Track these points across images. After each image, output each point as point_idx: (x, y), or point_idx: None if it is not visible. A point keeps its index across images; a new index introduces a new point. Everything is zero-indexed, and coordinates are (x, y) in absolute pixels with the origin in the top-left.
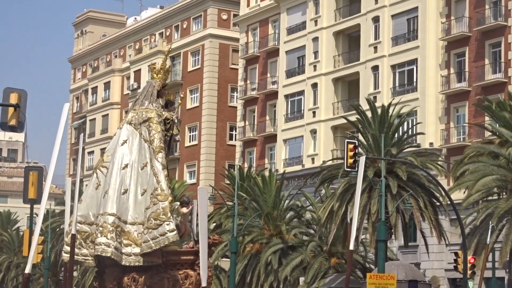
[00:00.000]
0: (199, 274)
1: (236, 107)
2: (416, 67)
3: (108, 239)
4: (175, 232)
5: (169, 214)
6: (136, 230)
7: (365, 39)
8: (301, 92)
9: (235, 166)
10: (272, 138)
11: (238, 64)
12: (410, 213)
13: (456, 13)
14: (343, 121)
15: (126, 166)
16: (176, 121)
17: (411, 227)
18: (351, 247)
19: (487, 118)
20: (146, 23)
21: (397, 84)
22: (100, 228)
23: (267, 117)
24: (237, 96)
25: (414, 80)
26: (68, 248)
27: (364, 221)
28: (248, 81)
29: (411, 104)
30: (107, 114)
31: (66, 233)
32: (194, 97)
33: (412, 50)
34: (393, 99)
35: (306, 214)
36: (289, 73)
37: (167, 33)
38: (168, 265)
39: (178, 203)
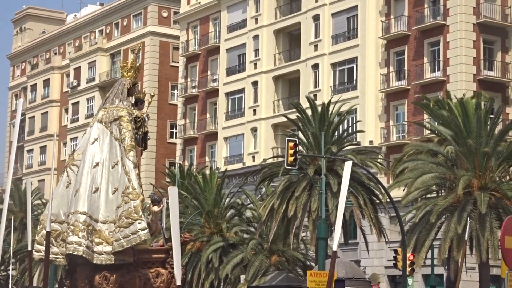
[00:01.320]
0: (170, 272)
1: (176, 105)
2: (356, 65)
3: (79, 237)
4: (146, 231)
5: (140, 213)
6: (107, 229)
7: (305, 37)
8: (242, 90)
9: (176, 164)
10: (213, 136)
11: (178, 62)
12: (350, 210)
13: (396, 12)
14: (284, 119)
15: (97, 164)
16: (146, 119)
17: (351, 225)
18: (335, 248)
19: (426, 117)
20: (86, 20)
21: (337, 82)
22: (72, 227)
23: (208, 115)
24: (177, 93)
25: (354, 78)
26: (39, 247)
27: (305, 219)
28: (189, 79)
29: (351, 102)
30: (47, 112)
31: (37, 232)
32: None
33: (352, 49)
34: (333, 97)
35: (246, 212)
36: (230, 71)
37: (107, 31)
38: (139, 263)
39: (149, 201)
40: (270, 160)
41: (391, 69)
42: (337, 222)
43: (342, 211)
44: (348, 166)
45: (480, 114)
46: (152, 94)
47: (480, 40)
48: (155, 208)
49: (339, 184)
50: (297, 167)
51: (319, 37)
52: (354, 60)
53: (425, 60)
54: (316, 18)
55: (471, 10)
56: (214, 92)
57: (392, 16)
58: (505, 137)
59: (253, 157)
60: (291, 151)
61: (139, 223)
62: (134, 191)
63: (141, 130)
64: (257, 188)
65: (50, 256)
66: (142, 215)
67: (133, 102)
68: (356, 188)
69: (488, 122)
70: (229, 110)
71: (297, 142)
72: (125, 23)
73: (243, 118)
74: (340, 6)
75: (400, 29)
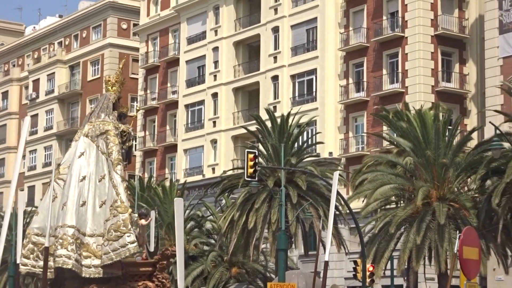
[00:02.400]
0: (157, 285)
1: (136, 117)
2: (316, 77)
3: (68, 251)
4: (135, 244)
5: (129, 226)
6: (95, 242)
7: (265, 49)
8: (201, 102)
9: (135, 177)
10: (173, 148)
11: (138, 74)
12: (310, 222)
13: (354, 24)
14: (244, 131)
15: (84, 178)
16: (132, 133)
17: (311, 236)
18: (326, 258)
19: (385, 128)
20: (45, 32)
21: (296, 94)
22: (60, 240)
23: (168, 127)
24: (137, 105)
25: (314, 90)
26: (26, 261)
27: (265, 230)
28: (148, 91)
29: (311, 114)
30: (5, 124)
31: (23, 246)
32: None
33: (312, 60)
34: (293, 108)
35: (206, 224)
36: (189, 83)
37: (66, 42)
38: (127, 276)
39: (137, 214)
40: (230, 172)
41: (350, 80)
42: (328, 233)
43: (331, 221)
44: (336, 175)
45: (438, 125)
46: (138, 108)
47: (438, 52)
48: (143, 222)
49: (299, 195)
50: (257, 178)
51: (278, 49)
52: (313, 71)
53: (384, 71)
54: (275, 30)
55: (429, 22)
56: (174, 104)
57: (351, 28)
58: (463, 148)
59: (213, 169)
60: (250, 163)
61: (128, 236)
62: (122, 205)
63: (126, 144)
64: (217, 200)
65: (37, 269)
66: (131, 228)
67: (116, 116)
68: (316, 200)
69: (447, 133)
70: (189, 122)
71: (256, 154)
72: (84, 35)
73: (202, 130)
74: (299, 18)
75: (359, 41)
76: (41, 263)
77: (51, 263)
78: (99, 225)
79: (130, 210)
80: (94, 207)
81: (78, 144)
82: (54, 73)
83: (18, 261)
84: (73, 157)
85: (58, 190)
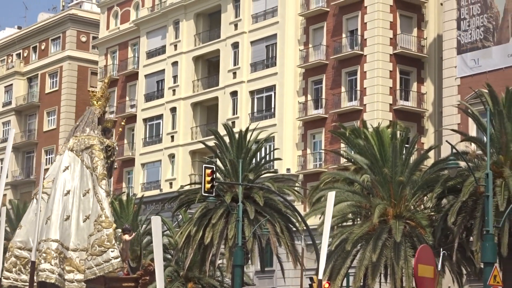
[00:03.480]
0: None
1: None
2: (274, 93)
3: (52, 265)
4: (119, 259)
5: (113, 241)
6: (78, 257)
7: (224, 64)
8: (160, 116)
9: None
10: (130, 162)
11: (96, 87)
12: (266, 238)
13: (314, 41)
14: (202, 146)
15: (68, 192)
16: (116, 148)
17: (267, 252)
18: (320, 276)
19: (342, 145)
20: (3, 43)
21: (255, 110)
22: (44, 254)
23: (125, 141)
24: (123, 122)
25: (272, 106)
26: (8, 274)
27: (221, 246)
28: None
29: (269, 130)
30: None
31: (5, 259)
32: (51, 119)
33: (271, 77)
34: (251, 124)
35: (163, 239)
36: (148, 97)
37: (25, 54)
38: None
39: (120, 230)
40: (188, 187)
41: (309, 97)
42: (322, 249)
43: (327, 239)
44: (331, 196)
45: (395, 143)
46: (122, 123)
47: (397, 71)
48: (126, 237)
49: (256, 211)
50: (214, 194)
51: (238, 64)
52: (272, 88)
53: (343, 89)
54: (235, 45)
55: (388, 41)
56: (132, 118)
57: (310, 45)
58: (420, 167)
59: (171, 184)
60: (208, 178)
61: (112, 251)
62: (106, 220)
63: (111, 159)
64: (174, 215)
65: (19, 283)
66: (115, 244)
67: (101, 130)
68: (273, 216)
69: (404, 152)
70: (147, 136)
71: (214, 169)
72: (43, 47)
73: (161, 145)
74: (259, 34)
75: (318, 58)
76: (23, 276)
77: (33, 277)
78: (82, 239)
79: (114, 225)
80: (78, 222)
81: (63, 158)
82: (12, 84)
83: None
84: (58, 171)
85: (42, 204)
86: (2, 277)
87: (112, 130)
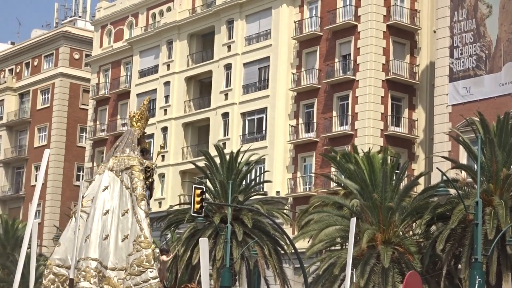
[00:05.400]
0: None
1: (84, 147)
2: (266, 115)
3: (91, 283)
4: (157, 280)
5: (152, 262)
6: (116, 276)
7: (216, 85)
8: (151, 136)
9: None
10: None
11: (88, 105)
12: (254, 260)
13: (307, 64)
14: (192, 166)
15: (107, 212)
16: (155, 169)
17: (255, 274)
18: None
19: (333, 169)
20: None
21: (246, 132)
22: (83, 273)
23: None
24: (86, 136)
25: (264, 128)
26: None
27: (209, 266)
28: (98, 122)
29: (260, 152)
30: None
31: (44, 276)
32: (42, 135)
33: (263, 99)
34: (242, 146)
35: None
36: None
37: (17, 70)
38: None
39: (158, 250)
40: (177, 207)
41: (300, 120)
42: (347, 274)
43: (350, 264)
44: (353, 222)
45: (386, 169)
46: (162, 145)
47: (389, 96)
48: (164, 258)
49: (245, 233)
50: (203, 214)
51: (230, 86)
52: (264, 110)
53: (334, 113)
54: (228, 67)
55: (380, 67)
56: None
57: (303, 69)
58: (410, 193)
59: (160, 203)
60: (197, 199)
61: (150, 271)
62: (145, 240)
63: (149, 180)
64: (162, 235)
65: None
66: (154, 264)
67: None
68: (261, 238)
69: (394, 177)
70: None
71: (204, 190)
72: (35, 63)
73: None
74: (252, 57)
75: (310, 82)
76: None
77: None
78: (120, 259)
79: (153, 246)
80: (116, 241)
81: (103, 177)
82: (3, 100)
83: None
84: (97, 191)
85: (80, 222)
86: None
87: (150, 151)
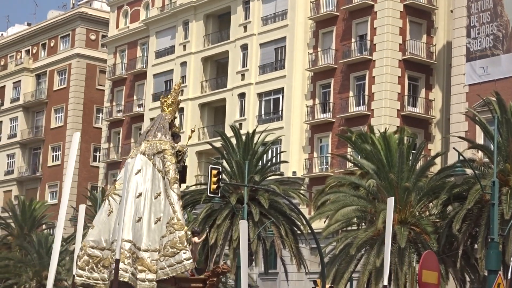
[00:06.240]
0: None
1: (101, 128)
2: (282, 96)
3: (125, 264)
4: (191, 261)
5: (185, 243)
6: (149, 257)
7: (233, 66)
8: None
9: (98, 188)
10: None
11: (104, 85)
12: (271, 240)
13: (323, 45)
14: (208, 146)
15: (140, 195)
16: (186, 153)
17: (271, 255)
18: (385, 282)
19: (349, 150)
20: (12, 40)
21: (262, 112)
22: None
23: (132, 140)
24: (102, 117)
25: (280, 109)
26: (81, 272)
27: (226, 247)
28: (114, 103)
29: (276, 133)
30: None
31: (78, 257)
32: (58, 116)
33: (279, 79)
34: (259, 127)
35: None
36: (156, 97)
37: (34, 51)
38: None
39: (190, 232)
40: (193, 187)
41: (317, 101)
42: (385, 257)
43: (389, 244)
44: (391, 201)
45: (402, 149)
46: (193, 129)
47: (405, 77)
48: (196, 239)
49: (261, 213)
50: (219, 195)
51: (246, 66)
52: (280, 90)
53: (351, 93)
54: (244, 47)
55: (397, 47)
56: (139, 117)
57: (319, 49)
58: (426, 173)
59: None
60: (214, 179)
61: (184, 253)
62: (178, 222)
63: (181, 163)
64: None
65: (91, 281)
66: (187, 246)
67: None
68: (278, 218)
69: (410, 158)
70: None
71: (220, 170)
72: (52, 44)
73: None
74: (268, 37)
75: (327, 62)
76: (95, 274)
77: (105, 275)
78: (153, 240)
79: (186, 227)
80: (149, 223)
81: (135, 161)
82: (20, 81)
83: (74, 272)
84: (130, 174)
85: (114, 205)
86: (76, 275)
87: (180, 135)
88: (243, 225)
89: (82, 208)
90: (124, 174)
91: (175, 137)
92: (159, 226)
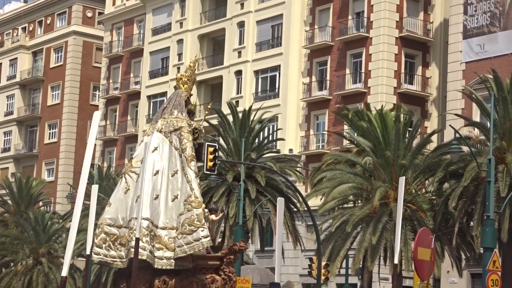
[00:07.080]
0: (223, 279)
1: (97, 105)
2: (279, 73)
3: (143, 242)
4: (208, 238)
5: (203, 221)
6: (166, 235)
7: (229, 43)
8: (164, 94)
9: (94, 165)
10: (133, 138)
11: (101, 63)
12: (267, 218)
13: (320, 22)
14: (205, 124)
15: (157, 172)
16: (203, 131)
17: (267, 232)
18: (396, 260)
19: (345, 127)
20: (8, 17)
21: (259, 90)
22: (135, 232)
23: (129, 117)
24: (99, 94)
25: (277, 86)
26: (98, 250)
27: (222, 224)
28: (111, 80)
29: (273, 110)
30: None
31: (95, 235)
32: (55, 94)
33: (276, 57)
34: (255, 104)
35: None
36: (153, 74)
37: (30, 28)
38: (196, 269)
39: (207, 210)
40: None
41: (313, 78)
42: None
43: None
44: (402, 181)
45: (399, 126)
46: (208, 107)
47: (402, 54)
48: (213, 217)
49: (258, 190)
50: (216, 172)
51: (243, 43)
52: (277, 68)
53: (347, 71)
54: (241, 24)
55: (394, 24)
56: (136, 95)
57: (316, 26)
58: (423, 150)
59: None
60: (210, 156)
61: (202, 230)
62: (196, 200)
63: (197, 141)
64: None
65: (108, 259)
66: (204, 223)
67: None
68: (274, 195)
69: (407, 135)
70: (151, 113)
71: (217, 148)
72: (48, 22)
73: None
74: (265, 14)
75: (323, 40)
76: (112, 252)
77: (122, 253)
78: (171, 218)
79: (203, 205)
80: (166, 201)
81: (152, 138)
82: (16, 58)
83: (88, 252)
84: (147, 151)
85: (130, 182)
86: (93, 253)
87: (195, 113)
88: (280, 202)
89: (95, 188)
90: (145, 152)
91: (191, 114)
92: (176, 203)
